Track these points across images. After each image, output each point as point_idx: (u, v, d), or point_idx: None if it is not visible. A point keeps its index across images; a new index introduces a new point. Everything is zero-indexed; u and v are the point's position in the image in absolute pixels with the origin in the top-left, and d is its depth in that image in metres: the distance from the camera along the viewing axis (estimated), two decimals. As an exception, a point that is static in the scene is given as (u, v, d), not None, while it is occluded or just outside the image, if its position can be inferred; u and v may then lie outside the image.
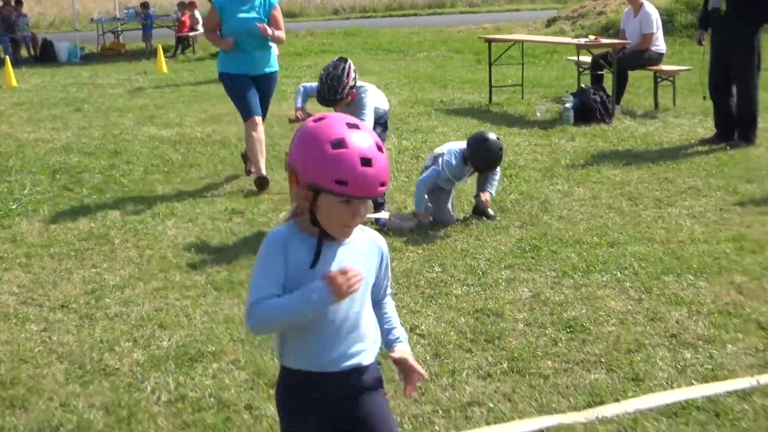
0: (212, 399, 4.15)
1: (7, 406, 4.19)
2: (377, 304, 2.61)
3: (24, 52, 22.86)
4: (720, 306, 5.02)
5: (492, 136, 6.66)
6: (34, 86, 17.21)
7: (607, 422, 3.77)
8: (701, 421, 3.75)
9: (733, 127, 9.31)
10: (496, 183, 6.87)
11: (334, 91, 6.53)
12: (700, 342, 4.57)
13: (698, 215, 6.85)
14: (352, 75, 6.56)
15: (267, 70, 8.15)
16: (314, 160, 2.28)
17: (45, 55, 22.47)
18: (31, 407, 4.15)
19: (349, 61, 6.67)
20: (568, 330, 4.74)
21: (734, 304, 5.05)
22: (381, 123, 6.94)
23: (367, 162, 2.25)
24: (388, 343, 2.61)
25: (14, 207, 7.78)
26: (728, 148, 9.11)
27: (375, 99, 6.80)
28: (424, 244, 6.33)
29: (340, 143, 2.25)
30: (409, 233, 6.53)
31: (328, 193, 2.26)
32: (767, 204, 7.14)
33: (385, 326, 2.64)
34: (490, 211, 6.87)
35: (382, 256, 2.54)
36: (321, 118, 2.34)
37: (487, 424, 3.82)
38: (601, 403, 3.98)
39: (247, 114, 8.01)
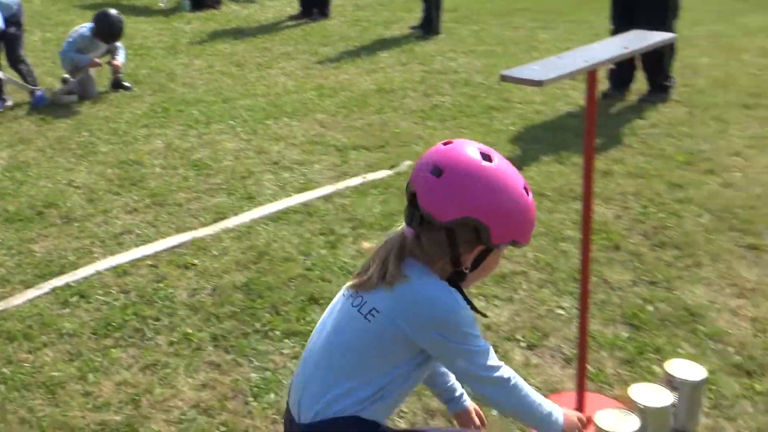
0: None
1: None
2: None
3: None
4: (308, 138, 5.56)
5: (113, 11, 6.84)
6: None
7: (230, 231, 4.22)
8: (298, 221, 4.34)
9: (312, 5, 9.82)
10: (122, 54, 7.06)
11: None
12: (295, 165, 5.12)
13: (290, 73, 7.48)
14: None
15: None
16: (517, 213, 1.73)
17: None
18: None
19: None
20: (195, 168, 5.19)
21: (318, 135, 5.59)
22: (14, 22, 6.56)
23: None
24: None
25: None
26: (310, 20, 9.75)
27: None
28: (73, 115, 6.33)
29: (526, 189, 1.75)
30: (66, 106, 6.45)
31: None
32: (338, 61, 7.77)
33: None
34: (126, 84, 7.00)
35: None
36: (488, 157, 1.72)
37: (136, 246, 4.13)
38: (224, 218, 4.43)
39: None
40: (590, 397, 2.71)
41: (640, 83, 6.25)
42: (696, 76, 6.71)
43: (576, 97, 6.11)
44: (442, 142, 1.75)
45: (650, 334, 3.13)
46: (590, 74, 2.41)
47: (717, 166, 4.70)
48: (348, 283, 1.89)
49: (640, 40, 2.61)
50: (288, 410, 1.92)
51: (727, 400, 2.74)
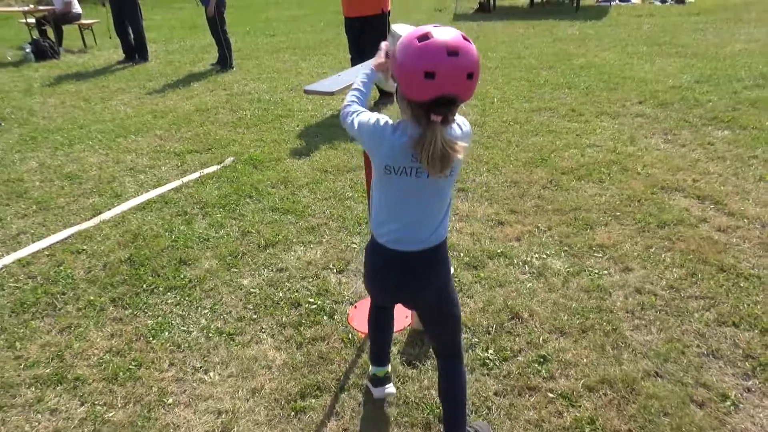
0: None
1: None
2: None
3: None
4: (152, 148, 5.18)
5: None
6: None
7: (107, 222, 3.83)
8: (159, 208, 4.08)
9: (133, 52, 9.03)
10: None
11: None
12: (147, 169, 4.80)
13: (127, 103, 6.91)
14: None
15: None
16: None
17: None
18: None
19: None
20: (69, 179, 4.63)
21: (159, 146, 5.21)
22: None
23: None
24: None
25: None
26: (134, 64, 8.90)
27: None
28: None
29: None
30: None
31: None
32: (163, 92, 7.32)
33: None
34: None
35: None
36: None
37: (33, 242, 3.67)
38: (101, 213, 4.03)
39: None
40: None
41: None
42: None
43: (335, 105, 6.16)
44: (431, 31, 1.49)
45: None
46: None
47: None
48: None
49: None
50: (387, 250, 1.72)
51: (465, 286, 2.95)
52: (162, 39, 11.10)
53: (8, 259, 3.46)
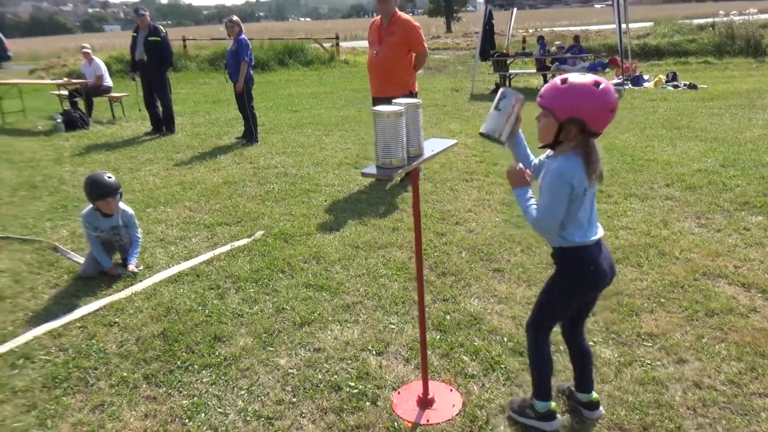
0: None
1: None
2: None
3: None
4: (182, 219, 5.25)
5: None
6: None
7: (139, 294, 3.78)
8: (190, 281, 3.98)
9: (161, 124, 9.33)
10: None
11: None
12: (178, 240, 4.80)
13: (156, 173, 7.02)
14: None
15: None
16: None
17: None
18: None
19: None
20: (101, 248, 4.39)
21: (189, 217, 5.30)
22: None
23: None
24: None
25: None
26: (161, 136, 9.17)
27: None
28: None
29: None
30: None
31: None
32: (190, 163, 7.41)
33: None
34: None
35: None
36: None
37: (64, 313, 3.54)
38: (133, 284, 3.95)
39: None
40: (430, 384, 2.72)
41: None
42: (428, 163, 7.10)
43: (361, 181, 6.22)
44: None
45: (453, 335, 3.20)
46: (415, 171, 2.46)
47: (460, 219, 4.97)
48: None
49: (438, 144, 2.69)
50: (600, 241, 2.21)
51: (512, 374, 2.84)
52: (188, 112, 11.43)
53: (39, 330, 3.40)
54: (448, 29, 46.03)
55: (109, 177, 4.11)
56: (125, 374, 2.96)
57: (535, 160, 2.34)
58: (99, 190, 4.04)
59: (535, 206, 2.13)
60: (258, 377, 2.91)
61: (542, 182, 2.12)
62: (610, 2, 13.42)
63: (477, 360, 2.94)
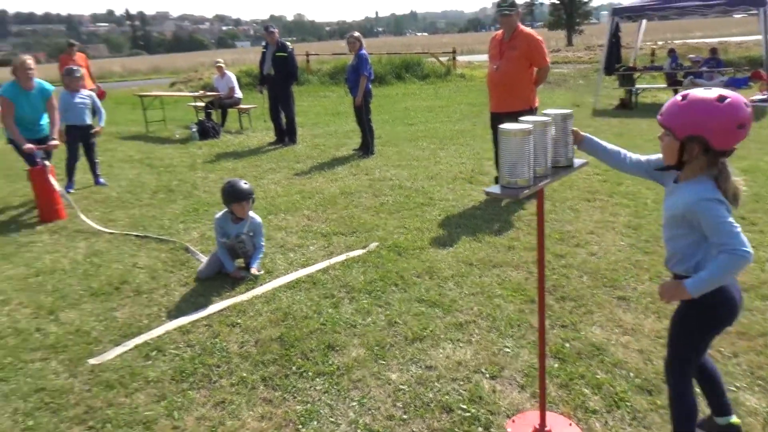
0: (9, 329, 3.65)
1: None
2: None
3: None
4: (301, 227, 5.38)
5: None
6: None
7: (260, 297, 4.04)
8: (307, 288, 4.15)
9: (284, 135, 9.78)
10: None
11: None
12: (296, 247, 4.93)
13: (277, 182, 7.26)
14: None
15: None
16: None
17: None
18: None
19: None
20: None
21: (307, 225, 5.42)
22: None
23: None
24: None
25: None
26: (283, 146, 9.59)
27: None
28: (129, 217, 5.80)
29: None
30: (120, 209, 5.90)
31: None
32: (309, 173, 7.69)
33: None
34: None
35: None
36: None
37: (193, 311, 3.72)
38: (254, 288, 4.18)
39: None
40: (548, 415, 2.59)
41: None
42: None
43: (476, 196, 6.13)
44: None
45: (573, 365, 3.03)
46: (539, 192, 2.36)
47: (581, 241, 4.74)
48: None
49: (563, 171, 2.55)
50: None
51: (639, 414, 2.64)
52: (309, 124, 11.91)
53: (171, 325, 3.64)
54: (569, 42, 44.62)
55: (245, 183, 4.42)
56: (245, 374, 3.09)
57: (633, 156, 2.24)
58: (235, 194, 4.33)
59: (713, 261, 1.86)
60: (369, 390, 2.91)
61: (686, 216, 1.91)
62: (755, 11, 12.33)
63: (599, 394, 2.76)
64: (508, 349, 3.21)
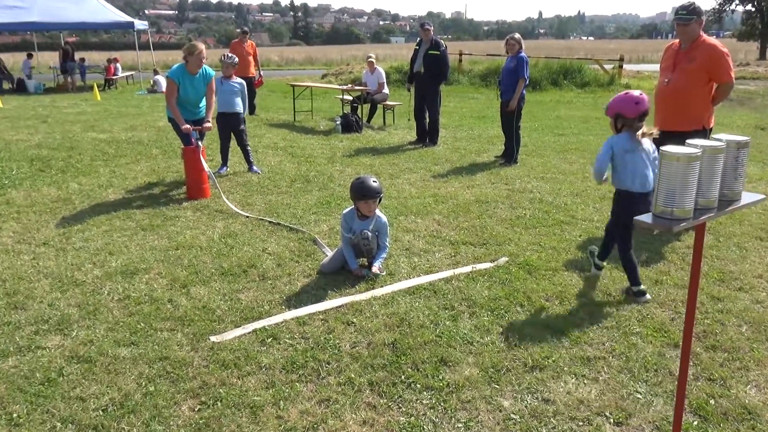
0: (146, 296, 4.02)
1: (12, 308, 3.81)
2: None
3: (6, 86, 20.41)
4: (429, 232, 5.39)
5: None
6: (13, 107, 15.05)
7: (378, 299, 4.06)
8: (426, 296, 4.13)
9: (425, 135, 9.90)
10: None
11: None
12: (422, 252, 4.93)
13: (412, 183, 7.34)
14: None
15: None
16: None
17: (20, 88, 19.78)
18: (28, 308, 3.81)
19: None
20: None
21: (436, 231, 5.41)
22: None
23: None
24: None
25: (6, 182, 7.17)
26: (423, 147, 9.67)
27: None
28: (265, 204, 6.30)
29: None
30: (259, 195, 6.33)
31: None
32: (446, 177, 7.64)
33: None
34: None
35: None
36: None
37: (312, 303, 3.89)
38: (374, 288, 4.26)
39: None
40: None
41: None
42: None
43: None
44: None
45: (716, 426, 2.73)
46: (699, 227, 2.14)
47: (745, 285, 4.26)
48: None
49: (731, 205, 2.29)
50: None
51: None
52: (452, 125, 11.91)
53: (290, 314, 3.81)
54: (762, 56, 40.35)
55: (374, 181, 4.50)
56: (353, 375, 3.14)
57: None
58: (363, 191, 4.43)
59: None
60: (478, 414, 2.84)
61: None
62: None
63: (744, 466, 2.46)
64: (639, 395, 2.96)
